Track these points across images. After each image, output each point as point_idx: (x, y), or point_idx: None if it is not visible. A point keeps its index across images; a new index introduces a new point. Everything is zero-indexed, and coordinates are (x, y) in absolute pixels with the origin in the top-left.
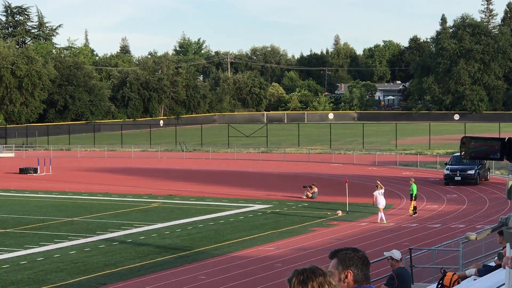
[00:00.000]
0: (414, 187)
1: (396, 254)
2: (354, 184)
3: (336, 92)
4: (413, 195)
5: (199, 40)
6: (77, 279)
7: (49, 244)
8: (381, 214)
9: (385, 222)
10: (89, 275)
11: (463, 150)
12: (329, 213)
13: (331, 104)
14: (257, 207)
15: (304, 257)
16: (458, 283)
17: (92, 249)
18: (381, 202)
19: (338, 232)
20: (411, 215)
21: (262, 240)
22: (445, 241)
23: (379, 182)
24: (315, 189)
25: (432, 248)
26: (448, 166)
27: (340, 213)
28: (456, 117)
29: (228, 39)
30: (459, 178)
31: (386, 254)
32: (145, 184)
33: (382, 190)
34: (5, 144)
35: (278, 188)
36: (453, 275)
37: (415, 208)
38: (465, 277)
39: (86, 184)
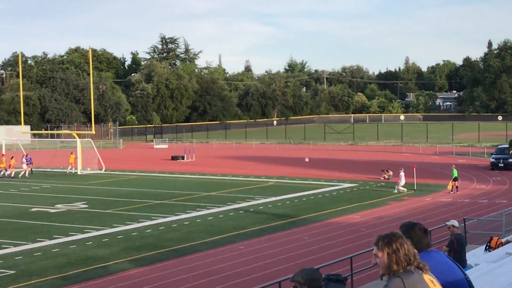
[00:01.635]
0: (455, 171)
1: (455, 223)
2: (420, 169)
3: (406, 99)
4: (454, 177)
5: (302, 61)
6: (213, 238)
7: (192, 212)
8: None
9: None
10: (222, 235)
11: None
12: (397, 191)
13: (402, 109)
14: (346, 185)
15: (382, 224)
16: (502, 245)
17: (224, 216)
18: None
19: (408, 205)
20: (449, 192)
21: (350, 210)
22: (491, 213)
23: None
24: (390, 173)
25: (481, 218)
26: (493, 155)
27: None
28: (500, 118)
29: (324, 60)
30: (502, 165)
31: (448, 223)
32: (262, 167)
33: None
34: (161, 138)
35: (362, 171)
36: (498, 239)
37: (457, 187)
38: (507, 241)
39: (219, 167)
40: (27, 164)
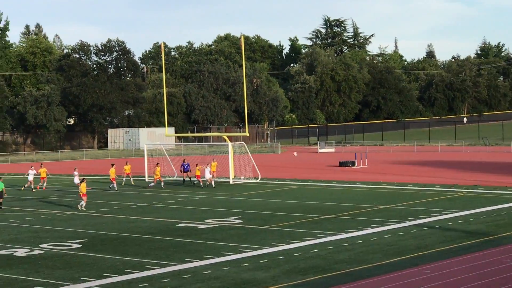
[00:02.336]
0: None
1: None
2: None
3: None
4: None
5: (499, 43)
6: (391, 260)
7: (366, 229)
8: None
9: None
10: (402, 256)
11: None
12: None
13: None
14: None
15: None
16: None
17: (405, 233)
18: None
19: None
20: None
21: None
22: None
23: None
24: None
25: None
26: None
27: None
28: None
29: None
30: None
31: None
32: (451, 175)
33: None
34: (326, 140)
35: None
36: None
37: None
38: None
39: (397, 175)
40: (185, 172)
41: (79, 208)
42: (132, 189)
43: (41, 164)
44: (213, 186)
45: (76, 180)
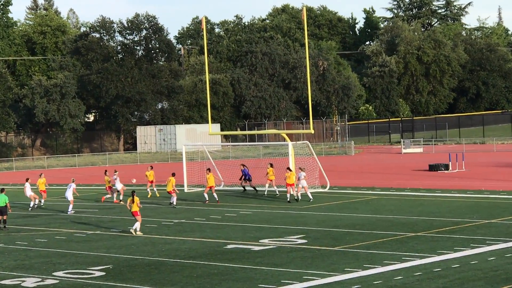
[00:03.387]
0: None
1: None
2: None
3: None
4: None
5: None
6: None
7: (464, 249)
8: None
9: None
10: (510, 284)
11: None
12: None
13: None
14: None
15: None
16: None
17: None
18: None
19: None
20: None
21: None
22: None
23: None
24: None
25: None
26: None
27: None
28: None
29: None
30: None
31: None
32: None
33: None
34: (412, 138)
35: None
36: None
37: None
38: None
39: (504, 181)
40: (245, 180)
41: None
42: (166, 201)
43: (41, 174)
44: (299, 198)
45: (29, 191)
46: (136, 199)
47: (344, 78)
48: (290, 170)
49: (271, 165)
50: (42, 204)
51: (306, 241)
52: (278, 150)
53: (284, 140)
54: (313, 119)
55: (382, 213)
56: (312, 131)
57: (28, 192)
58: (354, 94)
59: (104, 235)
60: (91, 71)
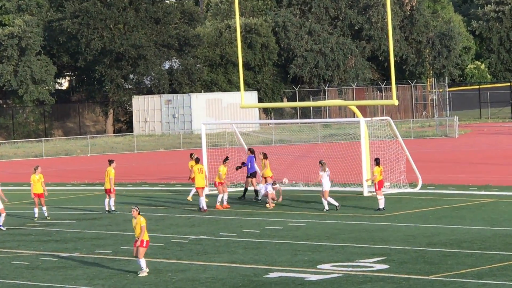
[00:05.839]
0: None
1: None
2: None
3: None
4: None
5: None
6: None
7: None
8: None
9: None
10: None
11: None
12: None
13: None
14: None
15: None
16: None
17: None
18: None
19: None
20: None
21: None
22: None
23: None
24: None
25: None
26: None
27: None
28: None
29: None
30: None
31: None
32: None
33: None
34: None
35: None
36: None
37: None
38: None
39: None
40: (249, 175)
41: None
42: (178, 209)
43: (36, 168)
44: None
45: None
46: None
47: (443, 23)
48: (378, 164)
49: (265, 156)
50: (46, 215)
51: (388, 266)
52: (343, 131)
53: (354, 116)
54: (396, 84)
55: (502, 225)
56: (396, 102)
57: None
58: (458, 46)
59: (85, 259)
60: (64, 14)
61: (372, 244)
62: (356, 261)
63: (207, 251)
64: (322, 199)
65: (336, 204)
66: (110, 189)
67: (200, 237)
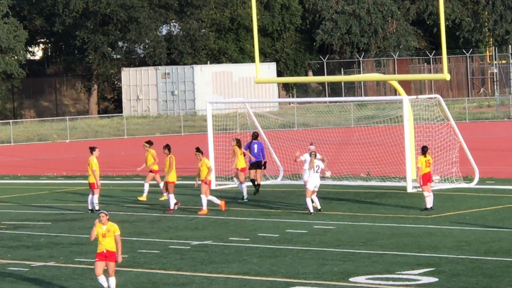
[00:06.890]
0: None
1: None
2: None
3: None
4: None
5: None
6: None
7: None
8: None
9: None
10: None
11: None
12: None
13: None
14: None
15: None
16: None
17: None
18: None
19: None
20: None
21: None
22: None
23: None
24: None
25: None
26: None
27: None
28: None
29: None
30: None
31: None
32: None
33: None
34: None
35: None
36: None
37: None
38: None
39: None
40: (253, 167)
41: None
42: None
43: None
44: None
45: None
46: None
47: None
48: (425, 153)
49: (237, 142)
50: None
51: (437, 279)
52: (383, 112)
53: (396, 93)
54: (448, 54)
55: None
56: (447, 77)
57: None
58: None
59: (62, 269)
60: None
61: (417, 252)
62: (398, 272)
63: (214, 260)
64: (306, 199)
65: (312, 210)
66: (95, 183)
67: (205, 242)
